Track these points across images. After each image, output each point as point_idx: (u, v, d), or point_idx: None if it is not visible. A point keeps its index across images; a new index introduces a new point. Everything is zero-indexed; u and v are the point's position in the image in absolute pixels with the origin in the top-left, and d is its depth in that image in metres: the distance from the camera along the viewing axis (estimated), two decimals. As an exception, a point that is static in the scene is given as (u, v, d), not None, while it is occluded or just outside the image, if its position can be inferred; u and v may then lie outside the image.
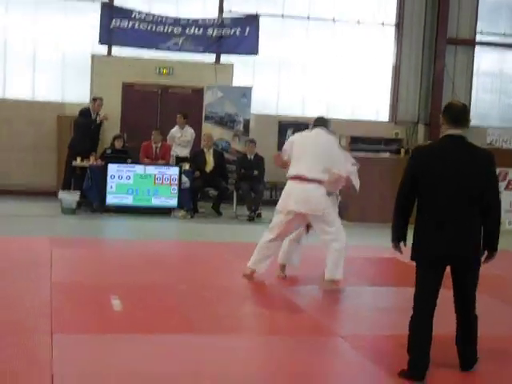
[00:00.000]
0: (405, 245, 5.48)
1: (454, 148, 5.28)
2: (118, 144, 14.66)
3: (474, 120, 16.52)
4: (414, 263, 5.40)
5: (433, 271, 5.26)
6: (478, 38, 18.67)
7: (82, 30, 16.67)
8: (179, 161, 14.64)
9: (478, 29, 18.61)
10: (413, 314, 5.33)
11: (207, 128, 16.01)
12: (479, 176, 5.24)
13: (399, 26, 18.22)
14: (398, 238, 5.45)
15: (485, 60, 18.87)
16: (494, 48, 18.81)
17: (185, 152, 15.13)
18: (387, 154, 15.68)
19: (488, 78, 19.03)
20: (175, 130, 15.30)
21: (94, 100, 14.86)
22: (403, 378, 5.25)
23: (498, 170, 5.68)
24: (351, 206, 12.71)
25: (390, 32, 18.35)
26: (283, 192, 8.24)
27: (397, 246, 5.49)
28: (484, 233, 5.33)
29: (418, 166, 5.31)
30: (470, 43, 18.58)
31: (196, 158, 14.78)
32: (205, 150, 14.84)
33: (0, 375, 4.90)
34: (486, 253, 5.37)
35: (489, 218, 5.29)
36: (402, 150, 15.76)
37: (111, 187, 13.78)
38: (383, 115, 18.51)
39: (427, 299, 5.28)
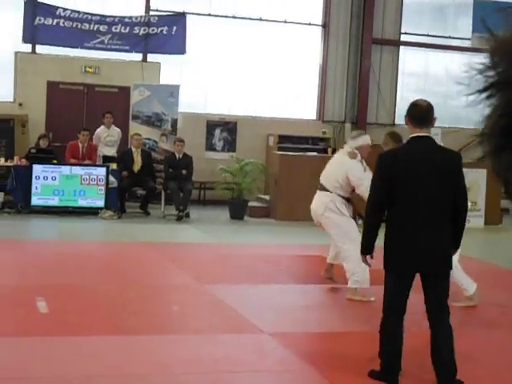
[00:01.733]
0: (372, 257, 5.31)
1: (424, 151, 5.08)
2: (44, 143, 14.42)
3: (400, 119, 16.81)
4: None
5: (404, 279, 5.08)
6: (403, 38, 18.99)
7: (5, 27, 16.32)
8: (106, 160, 14.49)
9: (403, 29, 18.93)
10: (384, 319, 5.18)
11: (134, 127, 15.85)
12: (451, 179, 5.05)
13: (326, 25, 18.39)
14: (369, 251, 5.23)
15: (409, 60, 19.18)
16: (418, 48, 19.14)
17: (112, 152, 14.98)
18: (314, 153, 15.80)
19: (413, 78, 19.35)
20: (101, 130, 15.13)
21: None
22: (375, 379, 5.17)
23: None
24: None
25: (317, 32, 18.50)
26: None
27: (366, 260, 5.29)
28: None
29: (388, 172, 5.04)
30: (395, 43, 18.88)
31: (124, 157, 14.64)
32: (133, 149, 14.71)
33: None
34: None
35: (458, 221, 5.12)
36: (330, 149, 15.92)
37: (36, 188, 13.54)
38: (311, 114, 18.65)
39: (398, 305, 5.11)
